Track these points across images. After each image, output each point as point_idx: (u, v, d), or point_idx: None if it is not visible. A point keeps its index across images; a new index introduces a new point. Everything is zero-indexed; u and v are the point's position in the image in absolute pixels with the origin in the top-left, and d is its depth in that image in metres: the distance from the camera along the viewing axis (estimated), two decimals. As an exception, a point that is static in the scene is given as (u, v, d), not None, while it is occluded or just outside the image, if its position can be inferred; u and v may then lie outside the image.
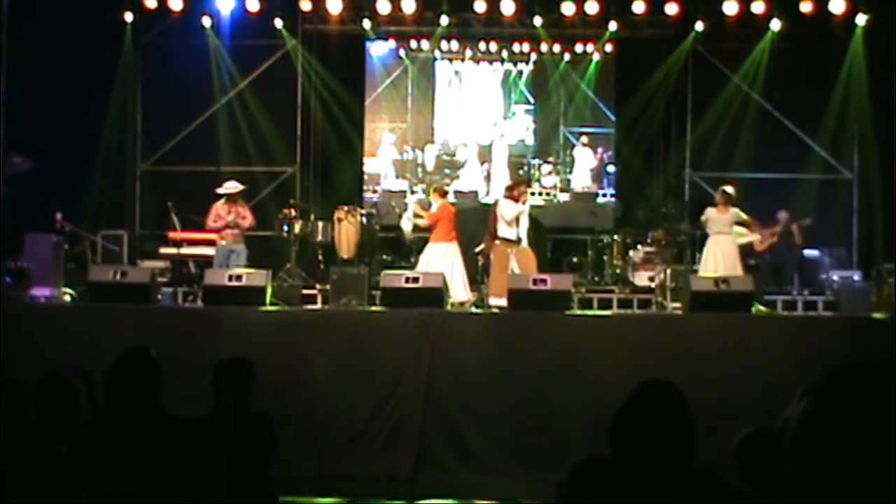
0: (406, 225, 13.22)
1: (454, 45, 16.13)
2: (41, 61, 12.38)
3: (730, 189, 11.94)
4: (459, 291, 11.54)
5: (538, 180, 16.38)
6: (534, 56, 16.19)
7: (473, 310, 11.09)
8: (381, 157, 16.25)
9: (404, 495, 8.43)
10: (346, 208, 13.10)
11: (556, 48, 15.89)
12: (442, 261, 11.64)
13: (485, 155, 16.43)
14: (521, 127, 16.64)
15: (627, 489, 2.76)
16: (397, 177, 16.35)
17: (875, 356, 1.55)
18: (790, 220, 13.52)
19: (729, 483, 2.85)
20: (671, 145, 15.57)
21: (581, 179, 16.29)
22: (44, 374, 4.20)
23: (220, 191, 12.13)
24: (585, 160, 16.25)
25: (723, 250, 11.60)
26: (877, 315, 10.57)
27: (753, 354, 8.85)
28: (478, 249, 12.50)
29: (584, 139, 16.29)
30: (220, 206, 12.01)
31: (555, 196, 16.25)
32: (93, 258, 12.74)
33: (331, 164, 15.65)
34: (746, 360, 8.82)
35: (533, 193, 16.15)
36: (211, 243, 13.17)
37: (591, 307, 11.96)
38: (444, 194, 12.55)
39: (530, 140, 16.61)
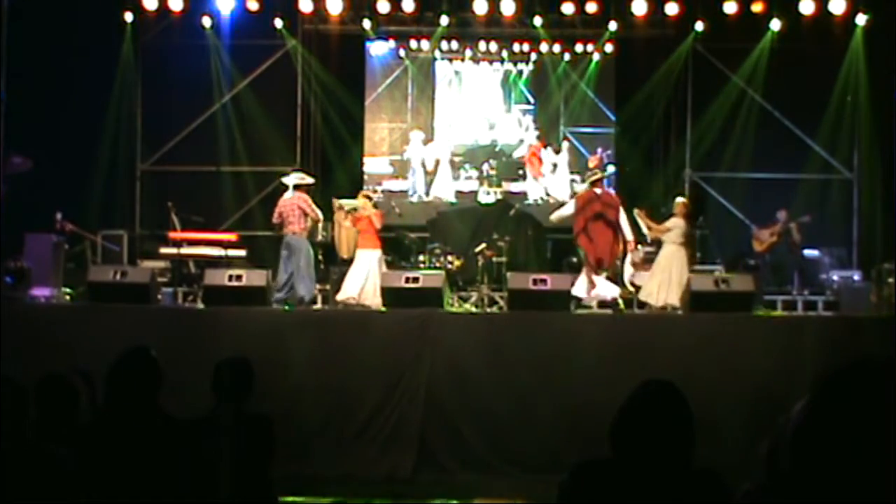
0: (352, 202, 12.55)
1: (454, 45, 16.12)
2: (41, 61, 12.39)
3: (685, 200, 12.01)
4: (376, 296, 10.91)
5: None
6: (534, 56, 16.17)
7: (473, 310, 11.08)
8: (412, 155, 16.15)
9: (404, 495, 8.42)
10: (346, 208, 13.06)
11: (556, 48, 15.88)
12: (378, 266, 11.38)
13: (473, 155, 16.38)
14: (521, 127, 16.62)
15: (627, 489, 2.76)
16: (405, 177, 16.28)
17: (875, 356, 1.55)
18: (788, 219, 13.52)
19: (729, 483, 2.84)
20: (671, 145, 15.57)
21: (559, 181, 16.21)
22: (44, 374, 4.20)
23: (297, 182, 11.66)
24: (563, 163, 16.19)
25: (679, 260, 11.36)
26: (877, 315, 10.57)
27: (753, 354, 8.85)
28: (478, 250, 12.48)
29: (564, 143, 16.27)
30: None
31: (555, 196, 16.23)
32: (93, 258, 12.73)
33: (331, 164, 15.65)
34: (746, 360, 8.82)
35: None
36: (211, 243, 13.19)
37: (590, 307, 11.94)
38: (376, 204, 12.40)
39: (531, 140, 16.57)
